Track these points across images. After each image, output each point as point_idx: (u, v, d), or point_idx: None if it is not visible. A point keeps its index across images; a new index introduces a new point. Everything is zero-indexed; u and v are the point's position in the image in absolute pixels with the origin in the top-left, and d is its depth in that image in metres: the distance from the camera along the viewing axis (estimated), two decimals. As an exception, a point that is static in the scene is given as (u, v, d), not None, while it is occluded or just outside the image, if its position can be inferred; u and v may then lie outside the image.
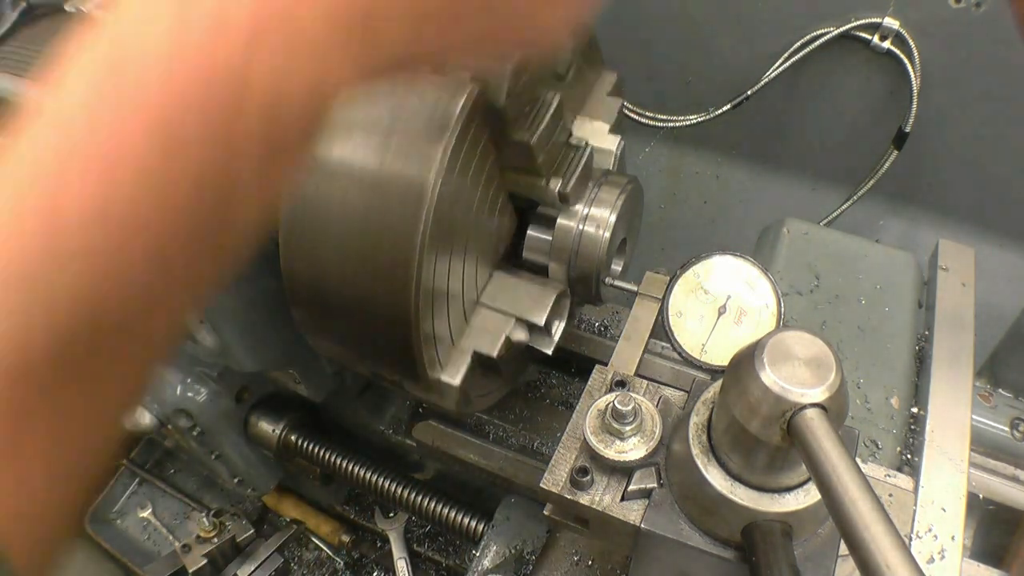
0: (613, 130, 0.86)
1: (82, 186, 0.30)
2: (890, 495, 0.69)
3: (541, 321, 0.78)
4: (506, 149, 0.73)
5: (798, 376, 0.46)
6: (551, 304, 0.78)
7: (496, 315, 0.79)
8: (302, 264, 0.71)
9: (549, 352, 0.82)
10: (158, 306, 0.34)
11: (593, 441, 0.57)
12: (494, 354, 0.77)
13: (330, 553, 1.35)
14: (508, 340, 0.78)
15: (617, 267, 0.85)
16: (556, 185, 0.75)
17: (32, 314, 0.31)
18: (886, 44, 1.29)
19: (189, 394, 1.09)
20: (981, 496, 0.89)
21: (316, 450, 1.20)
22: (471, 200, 0.72)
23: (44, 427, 0.33)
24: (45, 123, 0.32)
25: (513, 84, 0.67)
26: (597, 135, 0.83)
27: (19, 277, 0.30)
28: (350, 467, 1.17)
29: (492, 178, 0.74)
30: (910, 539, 0.66)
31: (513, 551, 0.96)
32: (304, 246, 0.70)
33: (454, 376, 0.77)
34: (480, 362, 0.79)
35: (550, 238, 0.82)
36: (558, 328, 0.83)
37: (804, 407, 0.45)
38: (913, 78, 1.28)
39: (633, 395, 0.59)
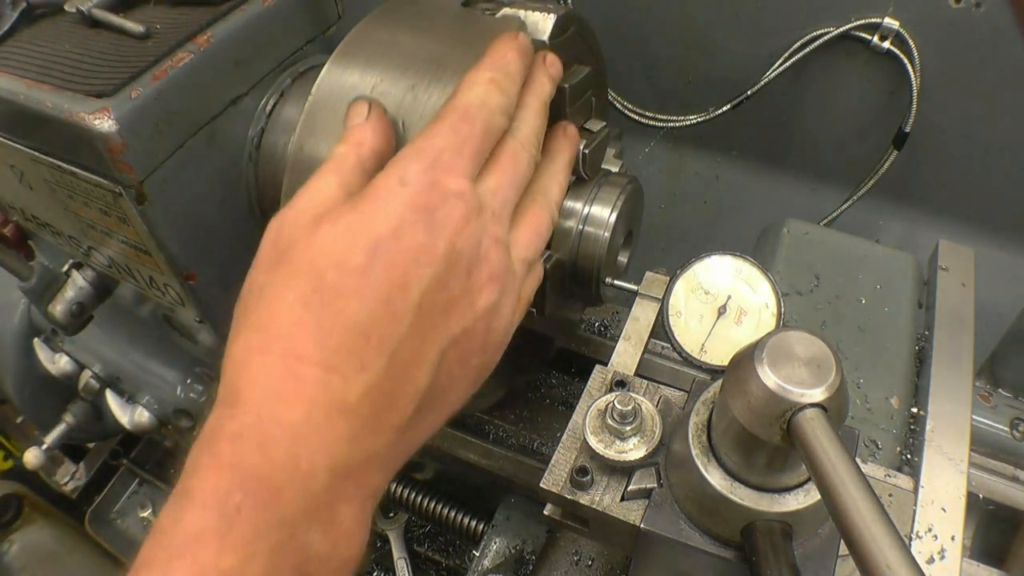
0: (617, 156, 0.87)
1: None
2: (890, 495, 0.69)
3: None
4: None
5: (798, 376, 0.46)
6: (553, 256, 0.77)
7: None
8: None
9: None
10: None
11: (593, 441, 0.57)
12: None
13: (330, 553, 1.35)
14: None
15: (623, 259, 0.85)
16: (580, 145, 0.76)
17: None
18: (886, 44, 1.29)
19: (190, 394, 1.09)
20: (981, 496, 0.89)
21: (316, 450, 1.19)
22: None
23: None
24: None
25: (556, 31, 0.68)
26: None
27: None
28: (350, 467, 1.17)
29: None
30: (910, 539, 0.66)
31: (513, 551, 0.96)
32: None
33: None
34: None
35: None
36: (552, 297, 0.81)
37: (804, 407, 0.45)
38: (913, 78, 1.28)
39: (633, 395, 0.59)
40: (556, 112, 0.75)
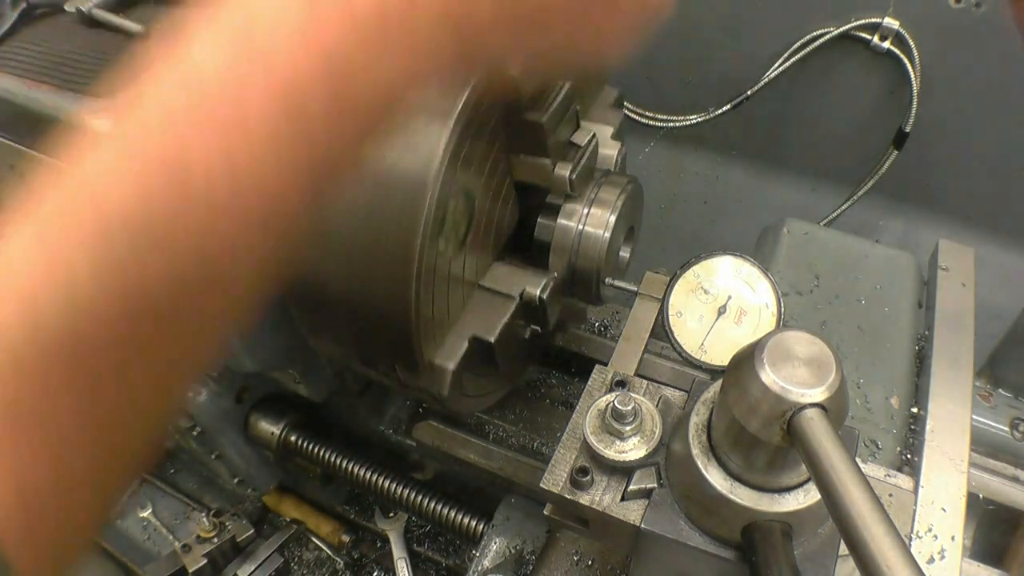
0: (615, 136, 0.86)
1: (212, 138, 0.32)
2: (890, 495, 0.69)
3: (536, 291, 0.76)
4: (516, 130, 0.73)
5: (798, 376, 0.46)
6: (550, 284, 0.77)
7: (496, 298, 0.78)
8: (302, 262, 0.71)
9: (548, 327, 0.80)
10: (250, 270, 0.36)
11: (593, 441, 0.57)
12: (492, 338, 0.75)
13: (330, 553, 1.35)
14: (507, 326, 0.76)
15: (624, 254, 0.85)
16: (565, 171, 0.76)
17: (146, 263, 0.31)
18: (886, 44, 1.29)
19: (189, 394, 1.09)
20: (981, 496, 0.89)
21: (316, 450, 1.20)
22: (475, 188, 0.72)
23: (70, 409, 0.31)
24: (174, 78, 0.33)
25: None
26: (600, 138, 0.83)
27: (141, 222, 0.31)
28: (350, 467, 1.17)
29: (497, 164, 0.74)
30: (910, 539, 0.66)
31: (513, 551, 0.96)
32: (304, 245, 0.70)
33: (448, 360, 0.74)
34: (479, 348, 0.77)
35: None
36: (554, 312, 0.81)
37: (804, 407, 0.45)
38: (913, 78, 1.28)
39: (633, 395, 0.59)
40: (536, 144, 0.74)
